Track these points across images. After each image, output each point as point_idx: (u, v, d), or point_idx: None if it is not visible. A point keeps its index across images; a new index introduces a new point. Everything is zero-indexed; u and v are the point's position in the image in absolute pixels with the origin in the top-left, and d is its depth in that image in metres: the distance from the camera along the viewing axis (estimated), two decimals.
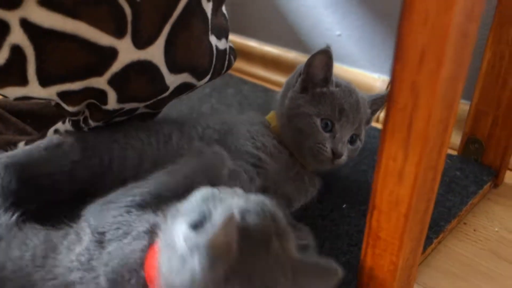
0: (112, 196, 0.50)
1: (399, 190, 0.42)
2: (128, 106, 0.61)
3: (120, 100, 0.58)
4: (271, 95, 1.15)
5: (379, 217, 0.45)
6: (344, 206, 0.76)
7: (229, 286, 0.39)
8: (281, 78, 1.23)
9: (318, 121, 0.70)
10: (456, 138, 0.90)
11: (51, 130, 0.79)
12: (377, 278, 0.48)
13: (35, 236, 0.49)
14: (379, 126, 1.01)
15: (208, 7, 0.61)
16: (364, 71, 1.09)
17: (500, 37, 0.73)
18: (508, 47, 0.72)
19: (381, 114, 1.06)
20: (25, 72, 0.52)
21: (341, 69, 1.11)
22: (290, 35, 1.21)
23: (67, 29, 0.50)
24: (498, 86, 0.75)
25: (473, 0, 0.36)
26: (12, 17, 0.49)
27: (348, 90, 0.73)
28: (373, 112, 0.79)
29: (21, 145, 0.80)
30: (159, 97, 0.62)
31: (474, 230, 0.74)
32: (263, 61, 1.27)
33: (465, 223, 0.75)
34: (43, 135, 0.80)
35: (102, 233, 0.46)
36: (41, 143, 0.67)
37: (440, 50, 0.35)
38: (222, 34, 0.70)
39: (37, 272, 0.46)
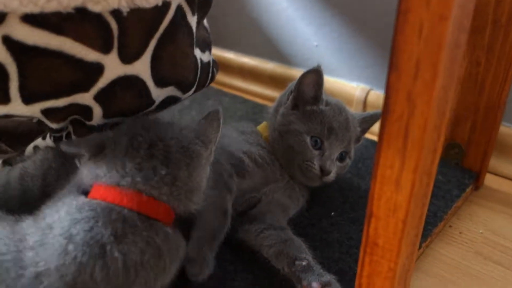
0: None
1: (397, 197, 0.43)
2: (113, 121, 0.59)
3: (106, 115, 0.57)
4: (250, 106, 1.15)
5: (376, 224, 0.45)
6: (332, 214, 0.77)
7: None
8: (260, 89, 1.24)
9: (307, 139, 0.72)
10: None
11: (30, 147, 0.76)
12: (375, 285, 0.48)
13: None
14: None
15: (193, 21, 0.61)
16: (343, 80, 1.11)
17: (475, 43, 0.76)
18: (483, 53, 0.75)
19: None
20: (7, 90, 0.50)
21: None
22: (267, 46, 1.22)
23: (52, 46, 0.49)
24: (476, 91, 0.77)
25: (462, 12, 0.38)
26: None
27: (338, 108, 0.75)
28: (363, 130, 0.81)
29: None
30: (145, 111, 0.61)
31: (460, 233, 0.75)
32: (241, 72, 1.27)
33: (450, 226, 0.77)
34: (21, 153, 0.78)
35: None
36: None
37: (435, 61, 0.36)
38: (205, 47, 0.70)
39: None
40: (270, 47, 1.21)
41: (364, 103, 1.08)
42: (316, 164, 0.71)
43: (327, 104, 0.75)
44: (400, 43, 0.38)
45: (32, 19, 0.47)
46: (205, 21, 0.72)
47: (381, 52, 1.04)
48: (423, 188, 0.45)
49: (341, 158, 0.75)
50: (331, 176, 0.73)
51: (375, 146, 0.94)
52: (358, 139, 0.80)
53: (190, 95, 0.68)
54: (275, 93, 1.21)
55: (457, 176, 0.84)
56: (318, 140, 0.72)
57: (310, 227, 0.74)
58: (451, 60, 0.38)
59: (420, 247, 0.69)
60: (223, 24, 1.27)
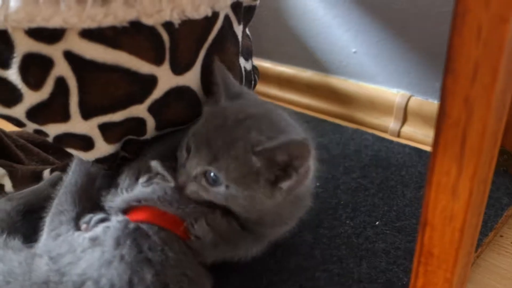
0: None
1: (453, 205, 0.42)
2: (165, 132, 0.61)
3: (158, 127, 0.58)
4: (288, 114, 1.16)
5: (431, 233, 0.44)
6: (377, 223, 0.75)
7: None
8: (297, 97, 1.24)
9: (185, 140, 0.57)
10: None
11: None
12: None
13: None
14: (401, 141, 1.02)
15: (239, 30, 0.62)
16: (382, 87, 1.10)
17: None
18: None
19: (402, 130, 1.06)
20: (67, 106, 0.52)
21: (359, 86, 1.12)
22: (304, 55, 1.22)
23: (109, 60, 0.50)
24: None
25: None
26: (55, 51, 0.49)
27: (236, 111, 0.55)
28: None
29: (46, 173, 0.80)
30: (194, 120, 0.62)
31: (511, 243, 0.73)
32: (278, 81, 1.28)
33: (501, 236, 0.74)
34: (67, 164, 0.80)
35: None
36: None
37: (495, 64, 0.35)
38: (248, 55, 0.71)
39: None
40: (307, 56, 1.21)
41: (405, 110, 1.06)
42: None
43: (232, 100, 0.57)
44: (457, 46, 0.37)
45: (90, 34, 0.49)
46: (247, 30, 0.73)
47: (422, 57, 1.02)
48: (480, 196, 0.43)
49: (213, 179, 0.53)
50: (189, 191, 0.55)
51: (418, 154, 0.93)
52: (269, 178, 0.53)
53: None
54: (312, 102, 1.21)
55: (506, 184, 0.82)
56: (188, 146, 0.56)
57: (355, 236, 0.73)
58: (510, 62, 0.37)
59: None
60: (260, 33, 1.29)
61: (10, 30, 0.48)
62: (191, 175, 0.54)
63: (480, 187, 0.43)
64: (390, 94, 1.08)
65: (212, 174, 0.52)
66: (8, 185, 0.79)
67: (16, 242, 0.57)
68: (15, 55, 0.49)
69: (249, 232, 0.59)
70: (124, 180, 0.60)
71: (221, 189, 0.53)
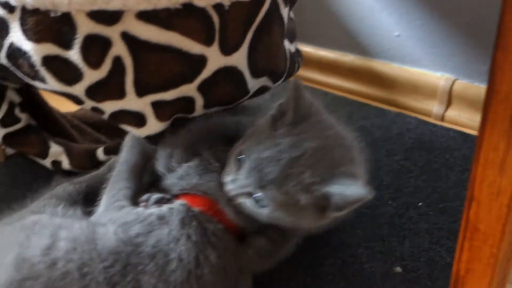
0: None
1: (501, 181, 0.42)
2: (211, 111, 0.63)
3: (206, 105, 0.61)
4: (331, 98, 1.16)
5: (478, 209, 0.45)
6: (420, 204, 0.76)
7: None
8: (339, 82, 1.24)
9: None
10: None
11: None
12: (475, 271, 0.48)
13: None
14: (446, 124, 1.00)
15: (285, 12, 0.63)
16: (426, 70, 1.08)
17: None
18: None
19: (446, 113, 1.05)
20: (123, 84, 0.56)
21: (402, 70, 1.11)
22: (346, 39, 1.21)
23: (162, 40, 0.53)
24: None
25: None
26: (113, 32, 0.52)
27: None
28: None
29: (99, 151, 0.84)
30: (239, 101, 0.64)
31: None
32: (319, 65, 1.28)
33: None
34: (120, 143, 0.85)
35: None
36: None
37: None
38: (293, 37, 0.72)
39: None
40: (349, 40, 1.21)
41: (449, 93, 1.04)
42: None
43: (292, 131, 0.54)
44: (508, 22, 0.37)
45: (146, 16, 0.52)
46: (291, 13, 0.74)
47: (468, 40, 1.00)
48: None
49: (258, 201, 0.54)
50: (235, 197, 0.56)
51: (463, 137, 0.92)
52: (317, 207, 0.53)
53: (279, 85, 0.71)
54: (354, 86, 1.20)
55: None
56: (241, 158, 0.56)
57: (397, 216, 0.74)
58: None
59: None
60: (301, 18, 1.28)
61: (73, 13, 0.51)
62: (239, 191, 0.55)
63: None
64: (434, 78, 1.07)
65: (257, 197, 0.53)
66: (65, 162, 0.84)
67: (77, 212, 0.60)
68: (77, 36, 0.53)
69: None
70: (181, 167, 0.61)
71: (266, 211, 0.54)
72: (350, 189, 0.51)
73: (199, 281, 0.51)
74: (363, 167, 0.57)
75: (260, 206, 0.54)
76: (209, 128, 0.64)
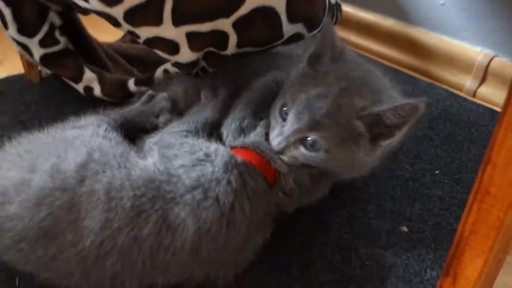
0: (170, 126, 0.61)
1: None
2: (243, 50, 0.64)
3: (239, 44, 0.62)
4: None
5: (493, 172, 0.45)
6: (436, 172, 0.76)
7: None
8: (376, 46, 1.22)
9: (279, 104, 0.59)
10: None
11: (161, 69, 0.84)
12: (479, 233, 0.49)
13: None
14: (476, 100, 0.99)
15: None
16: (466, 44, 1.06)
17: None
18: None
19: (479, 90, 1.03)
20: (161, 11, 0.57)
21: (441, 40, 1.09)
22: (388, 2, 1.18)
23: None
24: None
25: None
26: None
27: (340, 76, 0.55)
28: (392, 125, 0.54)
29: (130, 82, 0.87)
30: (272, 44, 0.65)
31: None
32: (358, 27, 1.26)
33: None
34: (150, 76, 0.87)
35: (167, 147, 0.56)
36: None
37: None
38: None
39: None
40: (391, 3, 1.18)
41: (486, 70, 1.02)
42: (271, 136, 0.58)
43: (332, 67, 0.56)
44: None
45: None
46: None
47: None
48: None
49: (311, 145, 0.55)
50: (287, 157, 0.57)
51: (491, 114, 0.91)
52: (370, 137, 0.55)
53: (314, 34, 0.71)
54: (391, 52, 1.18)
55: None
56: (285, 110, 0.57)
57: (411, 180, 0.75)
58: None
59: None
60: None
61: None
62: (290, 141, 0.55)
63: None
64: (472, 52, 1.04)
65: (311, 140, 0.54)
66: (97, 89, 0.87)
67: (117, 135, 0.60)
68: None
69: (326, 180, 0.62)
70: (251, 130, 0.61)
71: (321, 153, 0.54)
72: (401, 101, 0.52)
73: (229, 226, 0.52)
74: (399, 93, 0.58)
75: (315, 150, 0.54)
76: (264, 92, 0.64)
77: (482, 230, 0.49)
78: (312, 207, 0.67)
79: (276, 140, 0.56)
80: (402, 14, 1.17)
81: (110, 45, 1.00)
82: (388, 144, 0.56)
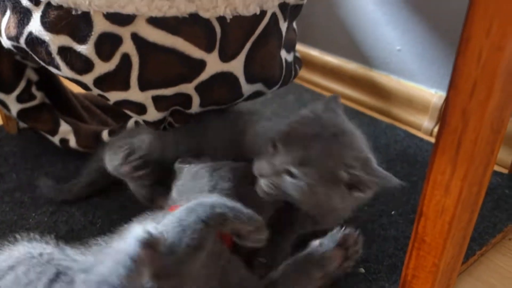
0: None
1: (445, 201, 0.48)
2: (207, 108, 0.70)
3: (202, 104, 0.67)
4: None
5: (425, 223, 0.51)
6: (393, 212, 0.82)
7: None
8: (340, 88, 1.30)
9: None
10: (508, 158, 0.93)
11: (132, 120, 0.89)
12: (419, 277, 0.54)
13: None
14: (433, 140, 1.06)
15: (284, 27, 0.69)
16: (422, 86, 1.13)
17: None
18: None
19: (435, 129, 1.10)
20: (128, 78, 0.62)
21: (399, 83, 1.17)
22: (351, 47, 1.27)
23: (167, 43, 0.60)
24: None
25: None
26: (125, 32, 0.59)
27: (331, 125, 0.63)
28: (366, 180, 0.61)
29: (104, 133, 0.91)
30: (234, 102, 0.71)
31: None
32: (323, 70, 1.33)
33: (510, 239, 0.79)
34: (122, 126, 0.91)
35: None
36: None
37: (490, 84, 0.41)
38: (291, 48, 0.78)
39: None
40: (354, 48, 1.26)
41: (440, 110, 1.10)
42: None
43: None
44: (460, 65, 0.43)
45: (155, 21, 0.58)
46: (294, 23, 0.80)
47: None
48: (472, 196, 0.50)
49: (296, 177, 0.59)
50: (263, 185, 0.60)
51: None
52: (350, 184, 0.61)
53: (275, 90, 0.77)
54: (354, 93, 1.26)
55: None
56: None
57: (370, 223, 0.80)
58: (506, 83, 0.43)
59: (474, 254, 0.73)
60: (310, 22, 1.34)
61: (92, 13, 0.58)
62: (277, 169, 0.59)
63: (473, 188, 0.49)
64: (428, 94, 1.12)
65: (297, 173, 0.58)
66: (72, 141, 0.91)
67: None
68: (92, 33, 0.59)
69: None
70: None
71: (302, 183, 0.58)
72: (383, 175, 0.62)
73: None
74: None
75: (298, 179, 0.59)
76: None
77: (421, 275, 0.54)
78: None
79: (262, 165, 0.60)
80: (364, 59, 1.25)
81: (85, 96, 1.04)
82: (360, 197, 0.63)
